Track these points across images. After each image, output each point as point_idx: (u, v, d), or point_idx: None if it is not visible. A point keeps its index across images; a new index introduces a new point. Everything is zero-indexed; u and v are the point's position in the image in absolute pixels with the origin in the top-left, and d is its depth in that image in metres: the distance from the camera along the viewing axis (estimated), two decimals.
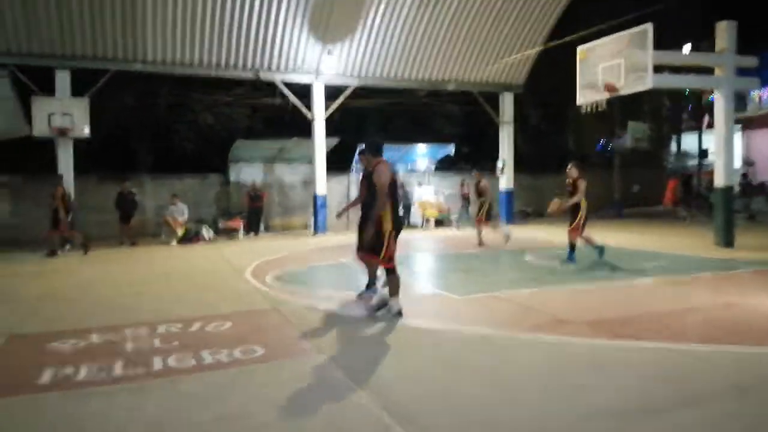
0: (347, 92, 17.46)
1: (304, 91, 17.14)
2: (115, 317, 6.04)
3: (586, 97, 12.18)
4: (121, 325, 5.65)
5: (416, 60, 17.74)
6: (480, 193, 12.70)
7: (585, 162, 27.32)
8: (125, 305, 6.78)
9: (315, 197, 17.07)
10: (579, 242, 9.45)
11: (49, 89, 14.50)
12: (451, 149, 20.26)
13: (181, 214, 15.42)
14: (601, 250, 9.39)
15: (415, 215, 18.75)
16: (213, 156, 19.91)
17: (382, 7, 16.18)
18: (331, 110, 17.30)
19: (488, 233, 12.82)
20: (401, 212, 12.80)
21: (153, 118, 19.77)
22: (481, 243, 12.41)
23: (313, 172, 17.15)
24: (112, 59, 14.93)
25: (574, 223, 9.30)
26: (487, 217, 12.58)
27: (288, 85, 16.80)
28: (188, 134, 19.36)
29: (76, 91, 14.69)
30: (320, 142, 17.09)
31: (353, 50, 16.88)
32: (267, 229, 18.00)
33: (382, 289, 6.19)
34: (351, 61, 17.07)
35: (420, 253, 11.95)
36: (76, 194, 14.79)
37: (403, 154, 20.18)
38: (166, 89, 18.71)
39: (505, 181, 19.39)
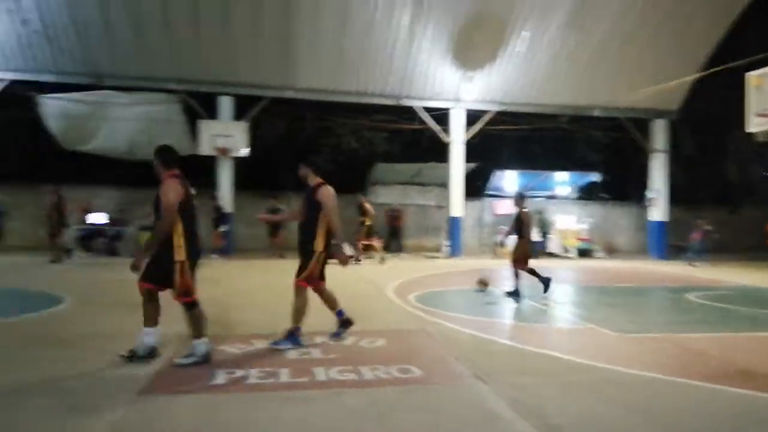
0: (486, 117, 17.32)
1: (442, 116, 17.30)
2: (276, 324, 6.36)
3: (759, 125, 11.14)
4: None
5: (559, 85, 17.13)
6: (363, 213, 14.82)
7: (748, 196, 24.62)
8: (283, 313, 7.14)
9: (451, 219, 17.05)
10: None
11: (213, 113, 16.05)
12: (594, 177, 19.31)
13: None
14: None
15: (555, 244, 17.98)
16: (352, 177, 20.66)
17: (525, 32, 15.91)
18: (469, 135, 17.26)
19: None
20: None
21: (300, 141, 21.04)
22: (358, 259, 13.99)
23: (447, 196, 17.17)
24: (269, 86, 16.18)
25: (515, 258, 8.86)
26: (367, 236, 14.80)
27: (427, 109, 17.07)
28: (331, 156, 20.29)
29: (237, 115, 16.12)
30: (457, 165, 17.10)
31: (494, 76, 16.69)
32: (401, 249, 18.25)
33: (143, 336, 4.85)
34: (491, 86, 16.90)
35: (562, 284, 11.39)
36: (235, 208, 16.11)
37: (543, 180, 19.57)
38: (313, 114, 19.84)
39: (657, 213, 18.05)
